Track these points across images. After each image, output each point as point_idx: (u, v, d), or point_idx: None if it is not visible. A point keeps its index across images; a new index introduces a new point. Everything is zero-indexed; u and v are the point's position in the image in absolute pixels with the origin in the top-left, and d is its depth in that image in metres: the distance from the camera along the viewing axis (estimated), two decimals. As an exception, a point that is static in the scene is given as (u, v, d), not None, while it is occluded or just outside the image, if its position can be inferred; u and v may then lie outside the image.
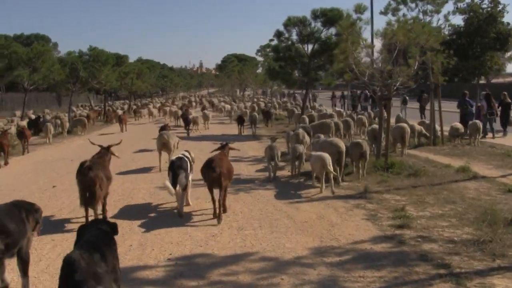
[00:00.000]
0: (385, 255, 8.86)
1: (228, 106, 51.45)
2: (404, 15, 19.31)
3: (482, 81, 58.74)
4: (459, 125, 24.67)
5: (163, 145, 18.89)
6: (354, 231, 10.32)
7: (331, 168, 14.15)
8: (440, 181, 15.04)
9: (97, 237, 6.05)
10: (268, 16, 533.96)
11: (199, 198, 13.73)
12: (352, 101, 49.89)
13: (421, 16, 20.83)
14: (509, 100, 27.81)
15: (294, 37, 31.46)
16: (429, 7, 20.67)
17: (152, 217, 12.11)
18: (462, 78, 59.78)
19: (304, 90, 35.30)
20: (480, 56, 51.28)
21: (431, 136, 23.64)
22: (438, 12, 19.43)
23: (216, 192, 11.58)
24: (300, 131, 20.09)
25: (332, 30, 30.51)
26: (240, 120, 33.28)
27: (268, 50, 67.45)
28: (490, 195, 13.25)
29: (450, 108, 31.25)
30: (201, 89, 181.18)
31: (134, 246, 9.82)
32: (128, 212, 12.57)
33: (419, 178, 15.39)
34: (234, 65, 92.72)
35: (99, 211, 11.50)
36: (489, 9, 52.69)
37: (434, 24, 20.47)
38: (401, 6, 20.22)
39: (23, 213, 7.48)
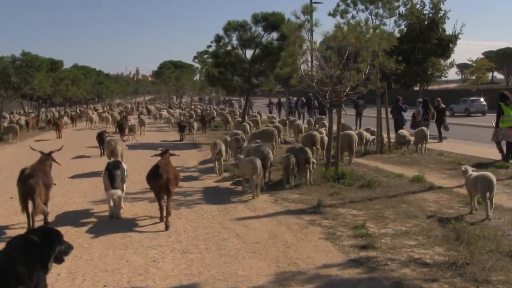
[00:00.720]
0: (354, 284, 7.70)
1: (165, 113, 50.60)
2: (353, 17, 18.30)
3: (416, 88, 59.21)
4: (405, 132, 24.10)
5: (112, 152, 19.01)
6: (314, 253, 9.13)
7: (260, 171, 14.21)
8: (395, 192, 14.14)
9: (21, 245, 5.76)
10: (205, 23, 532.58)
11: (136, 214, 12.51)
12: (289, 107, 49.88)
13: (370, 19, 20.06)
14: (443, 106, 28.45)
15: (234, 42, 30.33)
16: (380, 11, 19.81)
17: (85, 238, 10.64)
18: (404, 84, 59.89)
19: (243, 96, 34.29)
20: (422, 62, 51.40)
21: (377, 144, 22.89)
22: (392, 16, 18.46)
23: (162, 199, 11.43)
24: (240, 137, 20.43)
25: (274, 35, 29.68)
26: (180, 127, 33.26)
27: (206, 56, 66.68)
28: (452, 208, 12.33)
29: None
30: (138, 96, 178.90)
31: (63, 275, 8.38)
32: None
33: (373, 190, 14.50)
34: (171, 72, 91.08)
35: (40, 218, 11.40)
36: (430, 15, 52.89)
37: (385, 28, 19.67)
38: (350, 9, 19.22)
39: None
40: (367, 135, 23.39)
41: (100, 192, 14.37)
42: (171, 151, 13.56)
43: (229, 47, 30.47)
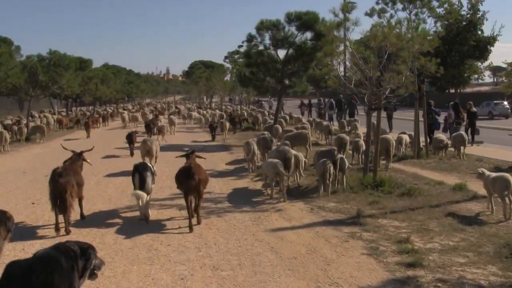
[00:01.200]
0: (403, 309, 6.97)
1: (196, 114, 50.17)
2: (392, 16, 17.46)
3: (452, 90, 57.98)
4: (443, 137, 23.25)
5: (147, 152, 19.18)
6: (356, 272, 8.40)
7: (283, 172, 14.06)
8: (438, 201, 13.37)
9: (60, 255, 5.64)
10: (236, 22, 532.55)
11: (164, 223, 11.88)
12: (319, 109, 49.43)
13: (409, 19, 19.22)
14: (475, 109, 27.74)
15: (267, 41, 29.59)
16: (424, 10, 19.00)
17: (108, 250, 9.89)
18: (440, 87, 58.54)
19: (273, 97, 33.54)
20: (459, 64, 50.13)
21: (415, 148, 22.04)
22: (433, 14, 17.59)
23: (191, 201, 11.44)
24: (267, 136, 20.55)
25: (307, 35, 28.92)
26: (212, 128, 33.30)
27: (237, 56, 66.11)
28: (500, 220, 11.54)
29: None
30: (168, 95, 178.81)
31: (83, 295, 7.73)
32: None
33: (414, 198, 13.76)
34: (201, 72, 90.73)
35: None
36: (468, 16, 51.58)
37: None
38: (388, 8, 18.39)
39: None
40: (406, 138, 22.51)
41: (126, 198, 14.32)
42: (197, 153, 13.37)
43: (261, 47, 29.81)
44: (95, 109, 66.75)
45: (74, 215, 11.76)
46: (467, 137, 22.69)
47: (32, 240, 10.46)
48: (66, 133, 40.30)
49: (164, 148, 24.90)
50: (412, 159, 21.49)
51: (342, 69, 17.69)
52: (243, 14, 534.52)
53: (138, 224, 11.75)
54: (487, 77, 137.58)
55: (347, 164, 15.75)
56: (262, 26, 29.05)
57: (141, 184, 11.73)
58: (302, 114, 52.88)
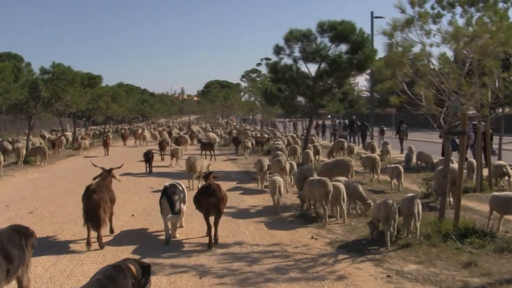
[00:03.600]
0: None
1: (214, 135, 46.46)
2: (451, 23, 13.43)
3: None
4: (502, 162, 19.35)
5: (190, 168, 20.20)
6: None
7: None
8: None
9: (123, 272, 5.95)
10: (251, 43, 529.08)
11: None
12: (333, 130, 48.18)
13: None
14: (491, 131, 23.83)
15: (297, 54, 26.00)
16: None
17: None
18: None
19: (289, 118, 29.87)
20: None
21: (478, 179, 18.20)
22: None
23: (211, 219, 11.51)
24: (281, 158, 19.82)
25: (342, 47, 25.30)
26: (236, 142, 36.35)
27: (255, 75, 62.73)
28: None
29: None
30: (182, 115, 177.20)
31: None
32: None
33: (520, 256, 9.93)
34: (218, 91, 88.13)
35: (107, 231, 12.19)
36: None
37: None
38: (444, 12, 14.36)
39: (23, 238, 7.46)
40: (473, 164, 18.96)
41: (148, 216, 14.73)
42: (214, 174, 13.27)
43: (290, 61, 26.24)
44: (105, 128, 64.92)
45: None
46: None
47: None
48: (70, 153, 36.98)
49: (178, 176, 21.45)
50: (474, 192, 17.63)
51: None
52: (259, 33, 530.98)
53: (158, 244, 11.74)
54: None
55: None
56: (291, 37, 25.55)
57: (171, 207, 11.61)
58: (318, 135, 51.89)
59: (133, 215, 14.82)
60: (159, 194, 12.08)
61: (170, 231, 11.85)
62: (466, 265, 9.44)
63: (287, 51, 26.05)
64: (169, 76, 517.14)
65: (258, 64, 57.49)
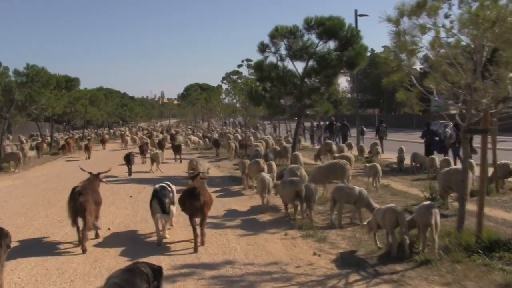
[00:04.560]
0: None
1: (196, 138, 46.18)
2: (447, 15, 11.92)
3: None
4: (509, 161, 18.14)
5: (193, 170, 18.89)
6: None
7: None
8: None
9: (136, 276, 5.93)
10: (230, 46, 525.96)
11: None
12: (311, 131, 47.16)
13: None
14: None
15: (283, 51, 24.72)
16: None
17: None
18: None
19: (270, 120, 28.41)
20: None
21: (485, 182, 16.80)
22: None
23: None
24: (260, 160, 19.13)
25: (330, 44, 24.05)
26: (216, 144, 36.78)
27: (236, 77, 61.32)
28: None
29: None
30: (162, 119, 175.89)
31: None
32: None
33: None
34: (198, 94, 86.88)
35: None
36: None
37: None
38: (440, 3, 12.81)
39: None
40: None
41: (134, 218, 14.68)
42: (202, 175, 13.42)
43: (275, 59, 25.00)
44: (83, 132, 62.87)
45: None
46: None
47: None
48: (48, 159, 35.29)
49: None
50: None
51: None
52: (240, 35, 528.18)
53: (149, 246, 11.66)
54: None
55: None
56: (277, 34, 24.31)
57: (162, 210, 11.62)
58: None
59: (109, 229, 13.36)
60: (138, 204, 13.01)
61: (161, 232, 11.89)
62: (503, 287, 8.01)
63: (273, 49, 24.81)
64: (149, 80, 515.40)
65: (239, 66, 56.39)
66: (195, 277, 9.20)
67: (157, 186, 12.31)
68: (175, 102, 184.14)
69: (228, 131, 57.14)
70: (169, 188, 12.15)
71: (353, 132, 40.65)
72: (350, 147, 30.52)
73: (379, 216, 10.39)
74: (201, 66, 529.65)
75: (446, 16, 10.29)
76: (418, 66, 12.27)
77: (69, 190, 12.03)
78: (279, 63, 24.83)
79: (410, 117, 67.62)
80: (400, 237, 9.88)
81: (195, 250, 10.94)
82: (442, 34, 10.45)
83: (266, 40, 24.61)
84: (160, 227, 11.88)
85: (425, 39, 10.91)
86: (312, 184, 14.20)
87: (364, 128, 40.85)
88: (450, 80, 10.58)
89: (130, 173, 25.17)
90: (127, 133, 59.78)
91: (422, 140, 26.86)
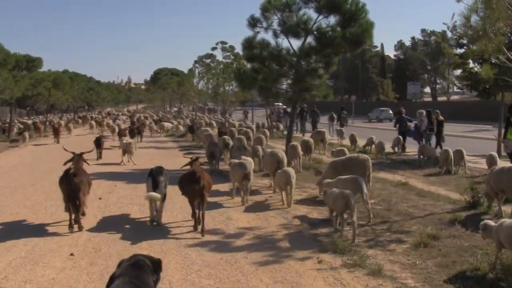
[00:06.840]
0: None
1: (169, 125, 45.68)
2: None
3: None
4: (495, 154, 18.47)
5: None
6: None
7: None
8: None
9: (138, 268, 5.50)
10: (200, 31, 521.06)
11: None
12: (277, 117, 47.83)
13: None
14: (442, 118, 26.68)
15: (276, 27, 21.65)
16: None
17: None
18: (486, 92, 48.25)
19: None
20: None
21: None
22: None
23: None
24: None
25: (331, 19, 21.03)
26: (191, 130, 37.15)
27: (209, 60, 57.68)
28: None
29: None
30: (130, 104, 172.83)
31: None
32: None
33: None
34: (168, 78, 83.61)
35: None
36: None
37: None
38: None
39: None
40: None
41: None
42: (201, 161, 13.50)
43: (267, 36, 22.26)
44: (47, 118, 59.28)
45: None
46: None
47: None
48: (7, 146, 32.35)
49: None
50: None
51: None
52: (209, 18, 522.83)
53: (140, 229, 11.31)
54: None
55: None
56: (270, 6, 21.19)
57: (154, 187, 11.62)
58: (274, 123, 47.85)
59: (71, 255, 9.53)
60: (110, 210, 12.50)
61: (155, 213, 11.91)
62: None
63: (264, 24, 21.77)
64: (116, 65, 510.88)
65: (213, 49, 52.87)
66: None
67: (153, 167, 12.51)
68: (143, 87, 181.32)
69: (202, 117, 54.98)
70: (164, 170, 12.33)
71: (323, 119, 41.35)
72: (341, 134, 31.39)
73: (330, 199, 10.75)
74: (169, 51, 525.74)
75: None
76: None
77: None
78: (272, 40, 21.82)
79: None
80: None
81: (195, 228, 11.19)
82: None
83: (257, 14, 21.64)
84: (154, 206, 11.84)
85: None
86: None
87: (334, 115, 40.83)
88: None
89: (99, 156, 25.05)
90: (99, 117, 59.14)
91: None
